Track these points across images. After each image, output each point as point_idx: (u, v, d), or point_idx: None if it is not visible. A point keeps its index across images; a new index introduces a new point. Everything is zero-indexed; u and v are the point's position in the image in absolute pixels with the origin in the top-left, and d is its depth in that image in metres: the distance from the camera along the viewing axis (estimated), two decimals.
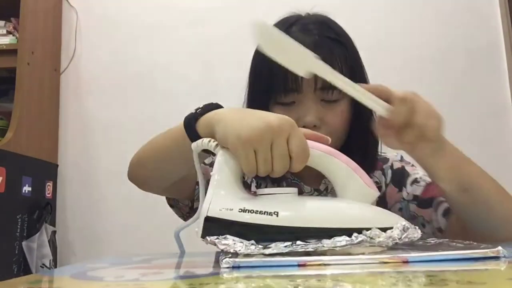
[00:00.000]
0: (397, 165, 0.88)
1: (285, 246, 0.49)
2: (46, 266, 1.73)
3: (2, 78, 2.01)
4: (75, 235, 2.00)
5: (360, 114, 0.79)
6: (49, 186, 1.92)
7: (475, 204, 0.69)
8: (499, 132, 1.90)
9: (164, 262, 0.62)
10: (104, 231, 1.97)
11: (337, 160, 0.56)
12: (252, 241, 0.51)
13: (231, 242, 0.50)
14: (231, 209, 0.53)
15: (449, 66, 1.95)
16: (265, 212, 0.52)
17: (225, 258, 0.48)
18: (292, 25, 0.80)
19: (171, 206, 0.88)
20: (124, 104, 2.07)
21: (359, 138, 0.80)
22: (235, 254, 0.50)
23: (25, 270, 1.66)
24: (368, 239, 0.50)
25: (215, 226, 0.53)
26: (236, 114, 0.58)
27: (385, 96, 0.62)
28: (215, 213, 0.53)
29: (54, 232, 1.85)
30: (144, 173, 0.78)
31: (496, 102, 1.92)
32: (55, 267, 1.82)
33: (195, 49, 2.07)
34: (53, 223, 1.90)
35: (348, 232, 0.51)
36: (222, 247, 0.50)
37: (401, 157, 0.89)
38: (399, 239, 0.51)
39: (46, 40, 2.04)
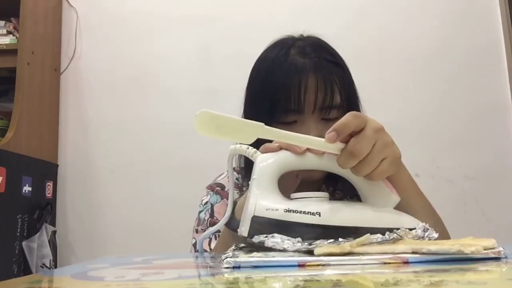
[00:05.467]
0: None
1: (329, 243, 0.53)
2: (46, 266, 1.73)
3: (2, 78, 2.00)
4: (75, 235, 2.00)
5: None
6: (49, 186, 1.92)
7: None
8: (499, 132, 1.90)
9: (165, 262, 0.62)
10: (104, 231, 1.97)
11: None
12: (298, 239, 0.54)
13: (279, 240, 0.53)
14: (277, 209, 0.56)
15: (449, 65, 1.95)
16: (308, 212, 0.56)
17: (226, 258, 0.48)
18: (290, 48, 0.82)
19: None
20: (124, 104, 2.07)
21: None
22: (235, 255, 0.50)
23: (25, 270, 1.66)
24: (399, 237, 0.55)
25: (262, 225, 0.56)
26: None
27: (349, 130, 0.58)
28: (262, 212, 0.56)
29: (54, 232, 1.86)
30: None
31: (496, 102, 1.92)
32: (55, 267, 1.82)
33: (195, 49, 2.07)
34: (53, 223, 1.90)
35: (382, 230, 0.55)
36: (271, 244, 0.53)
37: None
38: (422, 238, 0.56)
39: (46, 40, 2.04)
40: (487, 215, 1.83)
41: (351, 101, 0.82)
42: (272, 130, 0.57)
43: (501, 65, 1.94)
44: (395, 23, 1.99)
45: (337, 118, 0.76)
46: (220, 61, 2.04)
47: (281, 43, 0.85)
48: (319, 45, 0.84)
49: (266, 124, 0.76)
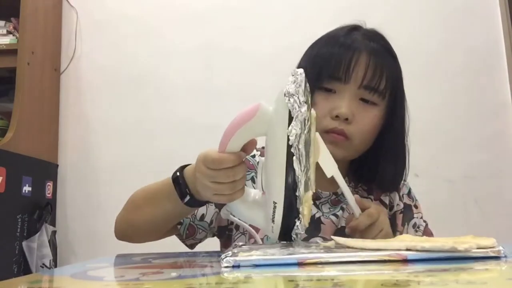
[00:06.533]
0: (406, 199, 0.94)
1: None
2: (46, 266, 1.73)
3: (2, 78, 2.00)
4: (75, 235, 2.00)
5: (392, 128, 0.86)
6: (49, 186, 1.92)
7: None
8: (499, 132, 1.90)
9: (164, 262, 0.62)
10: (104, 231, 1.97)
11: None
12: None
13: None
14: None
15: (449, 65, 1.95)
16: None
17: (226, 257, 0.48)
18: (353, 30, 0.86)
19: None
20: (124, 104, 2.07)
21: (390, 151, 0.87)
22: (235, 253, 0.50)
23: (25, 270, 1.66)
24: None
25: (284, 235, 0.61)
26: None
27: (364, 207, 0.75)
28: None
29: (54, 232, 1.85)
30: (138, 235, 0.85)
31: (496, 102, 1.92)
32: (55, 267, 1.82)
33: (195, 49, 2.07)
34: (53, 223, 1.90)
35: None
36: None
37: (409, 190, 0.95)
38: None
39: (46, 40, 2.04)
40: (486, 215, 1.83)
41: (397, 95, 0.85)
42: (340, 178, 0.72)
43: (501, 65, 1.94)
44: (395, 23, 1.98)
45: (375, 105, 0.82)
46: (221, 61, 2.04)
47: (345, 26, 0.89)
48: (381, 37, 0.88)
49: (311, 89, 0.77)
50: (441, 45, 1.96)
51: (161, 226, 0.80)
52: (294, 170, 0.57)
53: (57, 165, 2.03)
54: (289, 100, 0.57)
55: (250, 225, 0.77)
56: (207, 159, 0.61)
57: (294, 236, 0.61)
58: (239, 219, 0.71)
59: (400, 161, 0.88)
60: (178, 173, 0.70)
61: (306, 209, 0.60)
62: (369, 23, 0.92)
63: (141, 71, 2.08)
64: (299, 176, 0.57)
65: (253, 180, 0.85)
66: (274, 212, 0.60)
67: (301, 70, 0.60)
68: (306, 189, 0.60)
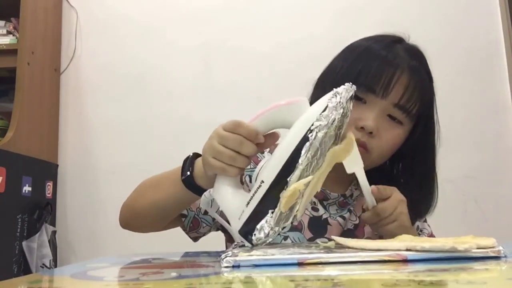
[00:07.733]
0: None
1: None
2: (46, 266, 1.73)
3: (2, 78, 2.00)
4: (75, 235, 2.00)
5: (422, 156, 0.86)
6: (49, 186, 1.92)
7: None
8: (499, 132, 1.90)
9: (164, 262, 0.62)
10: (104, 231, 1.97)
11: None
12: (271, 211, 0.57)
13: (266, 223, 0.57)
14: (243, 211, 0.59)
15: (449, 65, 1.95)
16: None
17: (226, 257, 0.48)
18: (395, 43, 0.84)
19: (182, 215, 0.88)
20: (124, 104, 2.07)
21: (418, 180, 0.86)
22: (235, 253, 0.50)
23: (25, 270, 1.66)
24: None
25: (248, 228, 0.59)
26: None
27: (383, 197, 0.75)
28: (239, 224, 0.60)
29: (54, 232, 1.85)
30: (141, 223, 0.84)
31: (496, 102, 1.92)
32: (55, 267, 1.82)
33: (195, 49, 2.07)
34: (53, 223, 1.90)
35: None
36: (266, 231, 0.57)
37: None
38: None
39: (46, 40, 2.04)
40: (486, 215, 1.83)
41: (428, 119, 0.85)
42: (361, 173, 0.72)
43: (501, 65, 1.94)
44: (395, 23, 1.98)
45: (401, 124, 0.81)
46: (221, 60, 2.04)
47: (387, 36, 0.86)
48: (421, 54, 0.86)
49: None
50: (441, 45, 1.96)
51: (162, 212, 0.78)
52: (300, 155, 0.55)
53: (57, 165, 2.03)
54: (332, 96, 0.57)
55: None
56: (228, 122, 0.62)
57: (255, 233, 0.57)
58: (214, 202, 0.70)
59: (428, 190, 0.86)
60: (190, 155, 0.72)
61: (291, 191, 0.56)
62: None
63: (141, 71, 2.09)
64: (301, 162, 0.55)
65: (250, 179, 0.84)
66: (255, 193, 0.58)
67: (354, 86, 0.61)
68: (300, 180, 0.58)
